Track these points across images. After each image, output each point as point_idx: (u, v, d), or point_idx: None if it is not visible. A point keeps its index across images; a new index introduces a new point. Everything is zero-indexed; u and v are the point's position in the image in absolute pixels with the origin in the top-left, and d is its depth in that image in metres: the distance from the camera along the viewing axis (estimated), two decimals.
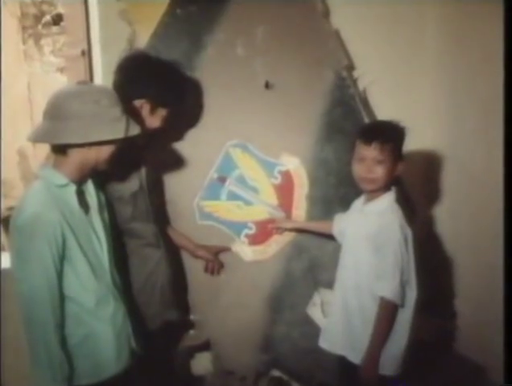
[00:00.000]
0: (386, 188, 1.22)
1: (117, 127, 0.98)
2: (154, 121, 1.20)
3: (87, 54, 1.44)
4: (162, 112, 1.20)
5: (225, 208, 1.50)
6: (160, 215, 1.35)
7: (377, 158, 1.18)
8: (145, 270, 1.25)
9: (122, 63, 1.18)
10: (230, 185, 1.49)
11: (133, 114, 1.09)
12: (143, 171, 1.24)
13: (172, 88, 1.19)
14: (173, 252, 1.37)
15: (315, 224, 1.45)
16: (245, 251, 1.50)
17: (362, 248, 1.21)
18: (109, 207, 1.15)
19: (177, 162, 1.43)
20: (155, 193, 1.32)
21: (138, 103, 1.17)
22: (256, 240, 1.51)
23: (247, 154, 1.49)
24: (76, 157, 0.99)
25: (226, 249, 1.43)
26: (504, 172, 0.87)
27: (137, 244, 1.23)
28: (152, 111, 1.18)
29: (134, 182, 1.20)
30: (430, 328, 1.40)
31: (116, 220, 1.18)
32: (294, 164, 1.49)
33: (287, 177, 1.49)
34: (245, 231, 1.51)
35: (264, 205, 1.50)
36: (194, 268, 1.48)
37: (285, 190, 1.50)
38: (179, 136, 1.44)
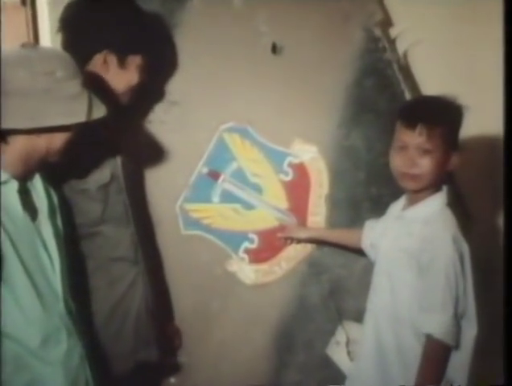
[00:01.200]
0: (434, 188, 1.21)
1: (76, 107, 0.96)
2: (128, 75, 1.18)
3: (29, 4, 1.44)
4: (135, 61, 1.19)
5: (217, 213, 1.51)
6: (141, 218, 1.37)
7: (423, 147, 1.17)
8: (114, 293, 1.25)
9: (68, 12, 1.16)
10: (225, 182, 1.50)
11: (96, 81, 1.07)
12: (118, 160, 1.24)
13: (141, 26, 1.19)
14: (154, 270, 1.38)
15: (339, 235, 1.47)
16: (244, 271, 1.52)
17: (402, 268, 1.20)
18: (67, 207, 1.15)
19: (154, 152, 1.44)
20: (135, 189, 1.34)
21: (99, 58, 1.15)
22: (259, 256, 1.52)
23: (247, 142, 1.50)
24: (19, 146, 0.98)
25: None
26: (504, 172, 0.96)
27: (105, 256, 1.23)
28: (121, 62, 1.17)
29: (105, 172, 1.20)
30: (497, 372, 1.36)
31: (76, 224, 1.18)
32: (310, 154, 1.50)
33: (301, 171, 1.51)
34: (245, 244, 1.52)
35: (270, 209, 1.52)
36: (181, 291, 1.50)
37: (298, 189, 1.51)
38: (155, 116, 1.46)
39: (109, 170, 1.21)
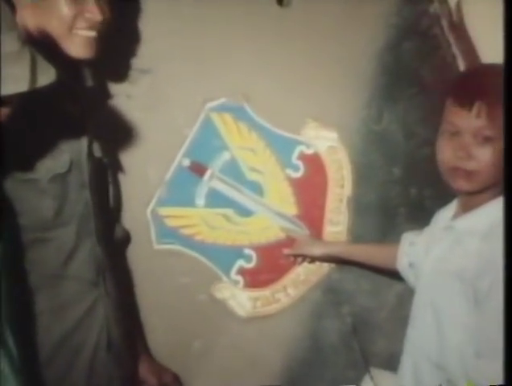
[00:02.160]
0: (495, 189, 1.17)
1: (14, 72, 0.93)
2: (85, 8, 1.16)
3: None
4: None
5: (202, 221, 1.50)
6: (110, 225, 1.38)
7: (482, 133, 1.14)
8: (65, 321, 1.24)
9: None
10: (213, 179, 1.50)
11: (41, 31, 1.07)
12: (83, 143, 1.24)
13: None
14: (119, 294, 1.36)
15: (365, 251, 1.47)
16: (238, 299, 1.51)
17: (453, 298, 1.17)
18: (7, 203, 1.12)
19: (117, 137, 1.43)
20: (107, 186, 1.36)
21: None
22: (258, 279, 1.52)
23: (243, 124, 1.48)
24: None
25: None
26: (504, 171, 1.03)
27: (55, 272, 1.22)
28: None
29: (61, 159, 1.19)
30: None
31: (20, 226, 1.16)
32: (327, 143, 1.49)
33: (316, 166, 1.50)
34: (239, 262, 1.52)
35: (273, 216, 1.51)
36: (153, 324, 1.49)
37: (311, 189, 1.51)
38: (119, 87, 1.44)
39: (69, 155, 1.20)
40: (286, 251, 1.51)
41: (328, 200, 1.51)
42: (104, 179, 1.35)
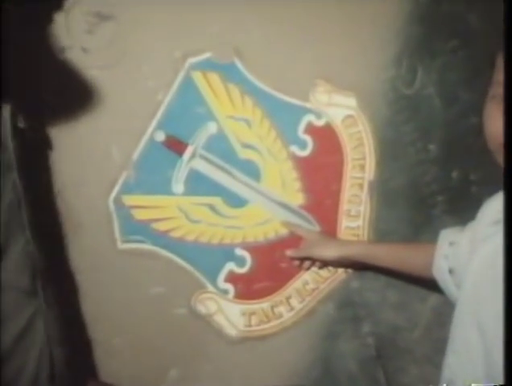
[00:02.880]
0: None
1: None
2: None
3: None
4: None
5: (181, 213, 1.47)
6: (48, 216, 1.38)
7: None
8: None
9: None
10: (195, 158, 1.47)
11: None
12: (6, 113, 1.24)
13: None
14: (67, 307, 1.36)
15: (393, 253, 1.43)
16: (228, 314, 1.49)
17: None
18: None
19: (69, 103, 1.41)
20: (37, 167, 1.36)
21: None
22: (254, 288, 1.50)
23: (234, 88, 1.46)
24: None
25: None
26: (504, 172, 1.06)
27: None
28: None
29: None
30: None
31: None
32: (343, 111, 1.47)
33: (328, 141, 1.47)
34: (229, 266, 1.49)
35: (273, 206, 1.49)
36: (117, 346, 1.49)
37: (322, 171, 1.49)
38: (72, 38, 1.41)
39: None
40: (289, 252, 1.49)
41: (344, 186, 1.49)
42: (40, 159, 1.37)
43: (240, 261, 1.49)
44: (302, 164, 1.48)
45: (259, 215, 1.49)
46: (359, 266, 1.48)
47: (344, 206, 1.49)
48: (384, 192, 1.49)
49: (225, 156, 1.47)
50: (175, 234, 1.47)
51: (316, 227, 1.50)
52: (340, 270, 1.50)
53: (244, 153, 1.47)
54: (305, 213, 1.50)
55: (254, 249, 1.49)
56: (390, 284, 1.48)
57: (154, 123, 1.45)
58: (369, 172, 1.48)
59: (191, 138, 1.46)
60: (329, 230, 1.50)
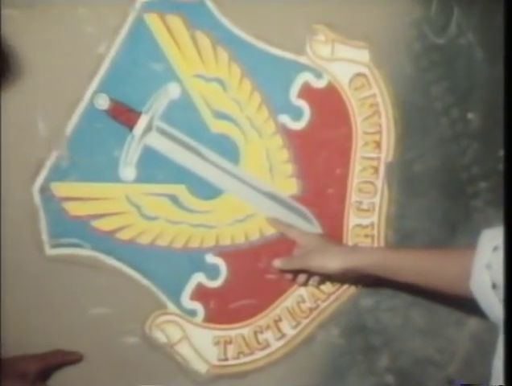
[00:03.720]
0: None
1: None
2: None
3: None
4: None
5: (132, 207, 1.30)
6: None
7: None
8: None
9: None
10: (150, 133, 1.29)
11: None
12: None
13: None
14: None
15: (417, 261, 1.24)
16: (196, 343, 1.32)
17: None
18: None
19: None
20: None
21: None
22: (230, 307, 1.32)
23: (204, 36, 1.29)
24: None
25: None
26: (504, 172, 1.06)
27: None
28: None
29: None
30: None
31: None
32: (352, 69, 1.31)
33: (331, 109, 1.31)
34: (198, 278, 1.31)
35: (256, 197, 1.33)
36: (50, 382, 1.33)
37: (323, 150, 1.32)
38: None
39: None
40: (277, 262, 1.29)
41: (352, 170, 1.32)
42: None
43: (212, 272, 1.30)
44: (296, 140, 1.30)
45: (237, 209, 1.31)
46: (373, 280, 1.29)
47: (353, 197, 1.30)
48: (407, 178, 1.32)
49: (190, 129, 1.28)
50: (124, 235, 1.28)
51: (315, 227, 1.32)
52: (346, 286, 1.33)
53: (217, 126, 1.28)
54: (300, 207, 1.31)
55: (231, 256, 1.30)
56: (414, 303, 1.33)
57: (94, 85, 1.27)
58: (387, 151, 1.30)
59: (144, 105, 1.27)
60: (332, 230, 1.32)
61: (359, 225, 1.31)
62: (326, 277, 1.30)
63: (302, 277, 1.30)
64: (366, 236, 1.31)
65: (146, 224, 1.28)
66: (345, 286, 1.33)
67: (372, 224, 1.31)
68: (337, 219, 1.32)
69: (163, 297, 1.29)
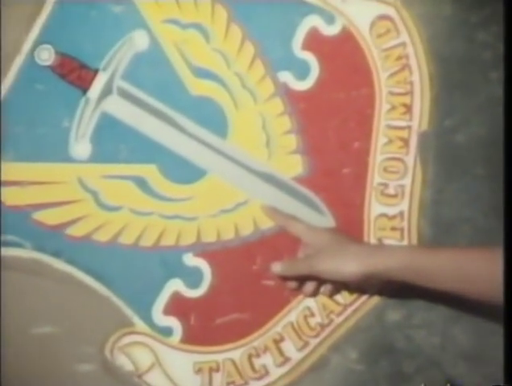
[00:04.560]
0: None
1: None
2: None
3: None
4: None
5: (87, 193, 1.13)
6: None
7: None
8: None
9: None
10: (110, 96, 1.13)
11: None
12: None
13: None
14: None
15: (459, 263, 1.09)
16: (171, 370, 1.15)
17: None
18: None
19: None
20: None
21: None
22: (214, 325, 1.14)
23: None
24: None
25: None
26: (504, 171, 1.00)
27: None
28: None
29: None
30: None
31: None
32: (374, 9, 1.14)
33: (346, 62, 1.13)
34: (174, 285, 1.13)
35: (250, 179, 1.15)
36: None
37: (336, 116, 1.13)
38: None
39: None
40: (277, 266, 1.09)
41: (375, 144, 1.11)
42: None
43: (192, 277, 1.10)
44: (300, 104, 1.10)
45: (225, 195, 1.11)
46: (402, 288, 1.09)
47: (376, 178, 1.10)
48: (446, 152, 1.12)
49: (162, 92, 1.10)
50: (77, 231, 1.10)
51: (326, 218, 1.11)
52: (366, 296, 1.14)
53: (197, 87, 1.09)
54: (306, 192, 1.11)
55: (217, 256, 1.11)
56: (455, 317, 1.13)
57: (34, 34, 1.11)
58: (420, 117, 1.10)
59: (101, 60, 1.09)
60: (349, 222, 1.12)
61: (384, 215, 1.10)
62: (341, 285, 1.10)
63: (310, 285, 1.09)
64: (393, 229, 1.10)
65: (106, 216, 1.09)
66: (366, 296, 1.12)
67: (401, 214, 1.10)
68: (355, 207, 1.10)
69: (129, 312, 1.09)
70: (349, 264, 1.05)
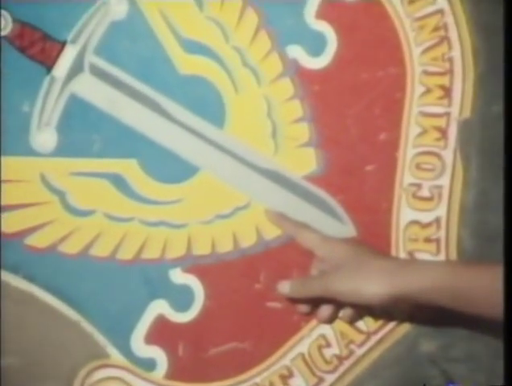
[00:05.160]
0: None
1: None
2: None
3: None
4: None
5: (51, 194, 1.01)
6: None
7: None
8: None
9: None
10: (81, 75, 1.00)
11: None
12: None
13: None
14: None
15: None
16: None
17: None
18: None
19: None
20: None
21: None
22: (208, 356, 1.02)
23: None
24: None
25: None
26: (504, 172, 0.91)
27: None
28: None
29: None
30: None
31: None
32: None
33: (369, 32, 1.02)
34: (157, 309, 1.01)
35: (252, 177, 1.02)
36: None
37: (358, 101, 1.02)
38: None
39: None
40: (285, 285, 0.96)
41: (405, 134, 0.97)
42: None
43: (180, 298, 0.96)
44: (314, 86, 0.95)
45: (221, 197, 0.96)
46: (436, 313, 0.96)
47: (407, 177, 0.96)
48: (493, 146, 0.97)
49: (145, 70, 0.94)
50: (39, 241, 0.96)
51: (345, 226, 0.98)
52: (397, 320, 1.00)
53: (188, 65, 0.95)
54: (320, 193, 0.96)
55: (211, 272, 0.96)
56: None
57: None
58: (462, 102, 0.96)
59: (70, 31, 0.95)
60: (373, 232, 0.98)
61: (416, 223, 0.95)
62: (363, 309, 0.95)
63: (325, 309, 0.94)
64: (427, 240, 0.95)
65: (75, 222, 0.94)
66: (394, 323, 0.97)
67: (437, 221, 0.95)
68: (381, 213, 0.96)
69: (102, 340, 0.96)
70: (373, 284, 0.91)
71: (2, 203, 0.99)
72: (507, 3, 0.89)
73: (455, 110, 0.96)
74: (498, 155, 0.98)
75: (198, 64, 0.94)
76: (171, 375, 0.96)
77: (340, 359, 0.97)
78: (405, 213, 0.96)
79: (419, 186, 0.95)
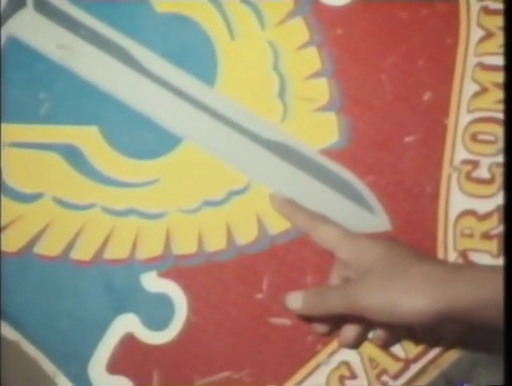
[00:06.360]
0: None
1: None
2: None
3: None
4: None
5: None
6: None
7: None
8: None
9: None
10: (23, 9, 0.87)
11: None
12: None
13: None
14: None
15: None
16: None
17: None
18: None
19: None
20: None
21: None
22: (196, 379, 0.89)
23: None
24: None
25: None
26: (504, 171, 0.84)
27: None
28: None
29: None
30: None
31: None
32: None
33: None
34: (125, 326, 0.90)
35: (254, 151, 0.87)
36: None
37: (393, 52, 0.87)
38: None
39: None
40: (295, 298, 0.79)
41: (458, 95, 0.79)
42: None
43: (155, 311, 0.77)
44: (336, 31, 0.78)
45: (212, 177, 0.78)
46: (496, 335, 0.78)
47: (459, 152, 0.79)
48: None
49: (109, 6, 0.77)
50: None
51: (377, 217, 0.81)
52: (445, 344, 0.84)
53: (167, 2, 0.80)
54: (345, 174, 0.78)
55: (196, 277, 0.77)
56: None
57: None
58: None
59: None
60: (414, 225, 0.82)
61: (471, 213, 0.77)
62: (400, 330, 0.79)
63: (349, 330, 0.76)
64: (486, 236, 0.77)
65: (14, 209, 0.77)
66: (440, 348, 0.80)
67: (499, 212, 0.78)
68: (424, 199, 0.78)
69: (50, 367, 0.78)
70: (414, 297, 0.73)
71: None
72: (507, 3, 0.75)
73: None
74: None
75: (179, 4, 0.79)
76: None
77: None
78: (456, 200, 0.78)
79: (475, 163, 0.77)
